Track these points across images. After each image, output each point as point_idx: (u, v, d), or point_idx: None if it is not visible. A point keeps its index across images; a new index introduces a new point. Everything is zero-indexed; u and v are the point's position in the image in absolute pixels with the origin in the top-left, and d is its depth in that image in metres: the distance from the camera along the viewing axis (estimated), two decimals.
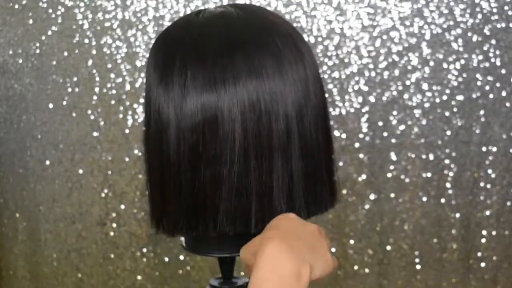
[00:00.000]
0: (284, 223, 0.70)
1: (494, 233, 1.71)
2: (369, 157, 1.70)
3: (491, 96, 1.67)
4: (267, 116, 0.72)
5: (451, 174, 1.70)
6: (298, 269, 0.64)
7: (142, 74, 1.71)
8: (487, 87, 1.67)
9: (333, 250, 1.74)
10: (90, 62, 1.73)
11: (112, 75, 1.73)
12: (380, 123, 1.69)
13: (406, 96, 1.67)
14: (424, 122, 1.68)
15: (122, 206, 1.77)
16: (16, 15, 1.75)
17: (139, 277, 1.80)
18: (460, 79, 1.67)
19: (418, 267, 1.74)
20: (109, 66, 1.73)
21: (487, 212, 1.71)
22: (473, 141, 1.69)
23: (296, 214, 0.74)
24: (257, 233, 0.71)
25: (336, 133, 1.69)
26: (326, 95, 0.80)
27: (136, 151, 1.74)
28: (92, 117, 1.75)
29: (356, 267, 1.74)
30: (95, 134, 1.76)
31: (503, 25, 1.65)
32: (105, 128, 1.75)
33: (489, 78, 1.66)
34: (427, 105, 1.67)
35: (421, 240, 1.73)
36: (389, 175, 1.71)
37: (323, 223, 1.72)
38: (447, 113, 1.68)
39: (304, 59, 0.76)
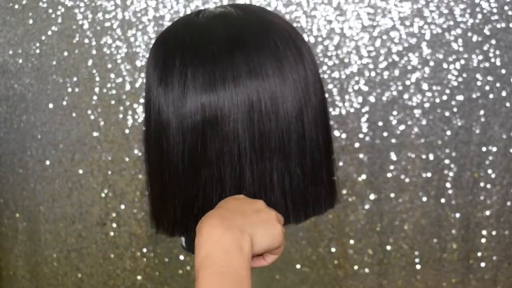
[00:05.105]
0: (229, 202, 0.70)
1: (494, 233, 1.71)
2: (369, 157, 1.70)
3: (491, 96, 1.67)
4: (267, 116, 0.72)
5: (451, 174, 1.70)
6: (238, 242, 0.65)
7: (142, 74, 1.71)
8: (487, 87, 1.67)
9: (333, 250, 1.74)
10: (90, 62, 1.73)
11: (112, 75, 1.73)
12: (380, 123, 1.69)
13: (406, 96, 1.67)
14: (424, 122, 1.68)
15: (122, 206, 1.77)
16: (16, 15, 1.75)
17: (139, 277, 1.80)
18: (460, 79, 1.67)
19: (418, 267, 1.74)
20: (109, 66, 1.72)
21: (487, 212, 1.71)
22: (473, 141, 1.69)
23: (296, 213, 0.74)
24: None
25: (336, 133, 1.69)
26: (326, 95, 0.80)
27: (136, 151, 1.74)
28: (92, 117, 1.75)
29: (356, 267, 1.74)
30: (95, 134, 1.76)
31: (503, 25, 1.65)
32: (105, 128, 1.75)
33: (489, 78, 1.66)
34: (427, 105, 1.67)
35: (421, 240, 1.73)
36: (389, 175, 1.70)
37: (323, 223, 1.72)
38: (447, 113, 1.68)
39: (304, 59, 0.76)
